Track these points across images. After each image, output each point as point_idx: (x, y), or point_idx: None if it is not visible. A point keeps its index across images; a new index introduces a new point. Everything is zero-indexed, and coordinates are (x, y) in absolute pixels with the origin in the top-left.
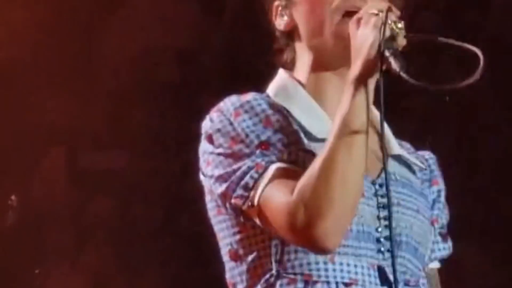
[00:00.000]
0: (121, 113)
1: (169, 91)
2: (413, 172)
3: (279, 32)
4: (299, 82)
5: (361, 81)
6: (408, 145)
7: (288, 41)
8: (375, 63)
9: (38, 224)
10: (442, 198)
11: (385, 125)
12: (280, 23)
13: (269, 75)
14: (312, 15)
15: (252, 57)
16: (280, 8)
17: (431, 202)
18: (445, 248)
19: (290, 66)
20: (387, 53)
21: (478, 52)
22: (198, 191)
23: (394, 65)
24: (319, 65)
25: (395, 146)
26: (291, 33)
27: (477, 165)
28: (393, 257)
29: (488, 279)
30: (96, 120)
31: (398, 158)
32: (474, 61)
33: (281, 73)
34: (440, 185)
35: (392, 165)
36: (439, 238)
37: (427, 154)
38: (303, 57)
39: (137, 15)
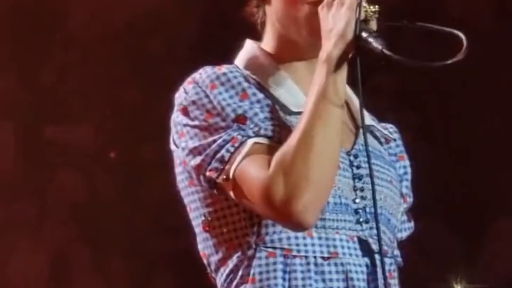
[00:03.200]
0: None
1: (127, 61)
2: (380, 143)
3: None
4: (270, 55)
5: (336, 59)
6: (373, 117)
7: (259, 2)
8: (351, 42)
9: None
10: (409, 176)
11: (355, 96)
12: None
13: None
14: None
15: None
16: None
17: (399, 177)
18: (409, 228)
19: (259, 30)
20: (364, 34)
21: (461, 35)
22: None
23: (375, 43)
24: (289, 46)
25: (367, 116)
26: None
27: (445, 144)
28: (378, 228)
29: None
30: (58, 93)
31: (368, 129)
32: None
33: (250, 44)
34: (406, 161)
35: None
36: (405, 218)
37: (390, 126)
38: (273, 30)
39: None
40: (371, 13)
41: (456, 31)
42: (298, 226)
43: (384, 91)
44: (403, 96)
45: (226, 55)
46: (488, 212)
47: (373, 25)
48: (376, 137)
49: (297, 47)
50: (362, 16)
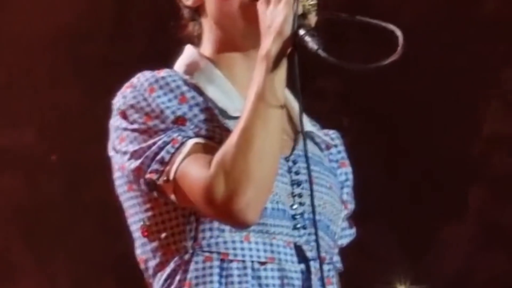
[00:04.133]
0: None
1: (69, 64)
2: (321, 149)
3: (185, 7)
4: (209, 59)
5: (274, 56)
6: (314, 122)
7: (195, 15)
8: (289, 39)
9: None
10: (350, 183)
11: (295, 102)
12: None
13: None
14: None
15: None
16: None
17: (340, 184)
18: (351, 235)
19: (196, 42)
20: (301, 31)
21: (397, 31)
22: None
23: (311, 43)
24: (227, 44)
25: (307, 122)
26: (198, 8)
27: (390, 146)
28: (316, 234)
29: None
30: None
31: (308, 135)
32: (380, 39)
33: (190, 49)
34: (348, 167)
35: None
36: (346, 224)
37: (332, 132)
38: (211, 34)
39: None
40: (309, 7)
41: (392, 27)
42: (240, 224)
43: (327, 94)
44: (346, 99)
45: (167, 60)
46: (432, 215)
47: (312, 19)
48: (316, 143)
49: (235, 43)
50: (300, 10)
